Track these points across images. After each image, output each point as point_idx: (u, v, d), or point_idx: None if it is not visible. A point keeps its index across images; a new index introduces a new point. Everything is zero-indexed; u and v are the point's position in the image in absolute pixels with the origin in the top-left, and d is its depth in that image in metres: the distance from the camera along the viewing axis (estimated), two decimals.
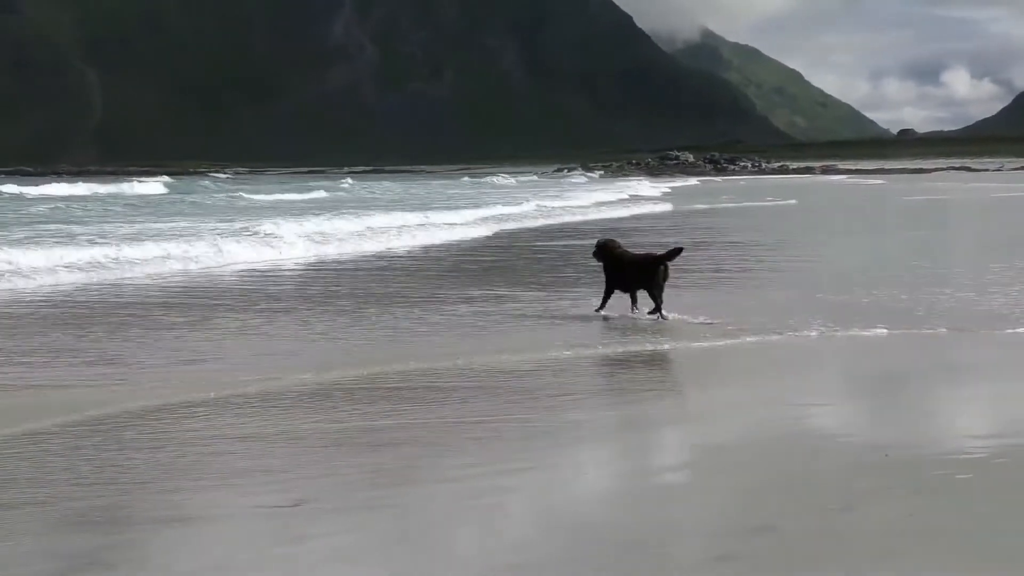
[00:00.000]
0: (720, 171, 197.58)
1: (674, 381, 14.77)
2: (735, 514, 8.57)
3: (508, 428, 11.86)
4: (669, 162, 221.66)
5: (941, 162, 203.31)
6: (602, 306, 19.32)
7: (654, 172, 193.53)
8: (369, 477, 9.86)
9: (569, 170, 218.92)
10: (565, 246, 37.35)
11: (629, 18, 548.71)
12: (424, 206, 62.63)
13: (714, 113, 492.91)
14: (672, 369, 15.55)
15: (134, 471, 9.92)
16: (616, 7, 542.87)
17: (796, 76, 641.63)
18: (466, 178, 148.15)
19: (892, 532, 8.10)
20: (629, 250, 19.87)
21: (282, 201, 75.89)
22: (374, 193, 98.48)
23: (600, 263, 19.68)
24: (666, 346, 16.57)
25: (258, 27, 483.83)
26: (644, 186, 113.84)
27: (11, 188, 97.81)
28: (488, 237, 42.39)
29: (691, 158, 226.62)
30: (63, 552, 8.03)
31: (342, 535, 8.16)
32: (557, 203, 66.71)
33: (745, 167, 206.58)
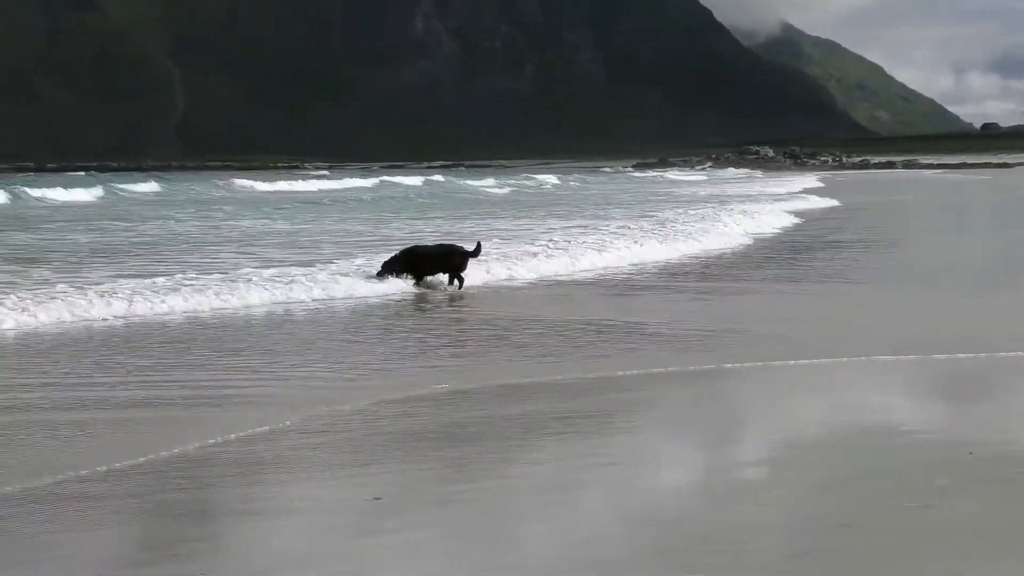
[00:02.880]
0: (800, 166, 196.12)
1: (754, 380, 14.61)
2: (813, 511, 8.53)
3: (588, 424, 11.86)
4: (748, 157, 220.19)
5: None
6: None
7: (738, 167, 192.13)
8: (446, 472, 9.89)
9: (662, 164, 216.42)
10: None
11: (708, 12, 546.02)
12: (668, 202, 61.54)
13: (794, 108, 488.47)
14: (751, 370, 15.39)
15: (216, 465, 10.02)
16: (695, 1, 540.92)
17: (878, 70, 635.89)
18: (579, 174, 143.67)
19: (972, 530, 8.02)
20: None
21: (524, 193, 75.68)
22: (569, 189, 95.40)
23: None
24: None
25: (338, 23, 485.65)
26: (775, 183, 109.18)
27: (247, 183, 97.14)
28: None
29: (771, 152, 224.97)
30: (144, 544, 8.13)
31: (419, 530, 8.19)
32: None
33: (825, 162, 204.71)
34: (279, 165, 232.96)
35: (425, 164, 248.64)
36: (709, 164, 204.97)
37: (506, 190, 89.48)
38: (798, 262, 28.67)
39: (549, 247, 28.84)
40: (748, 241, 34.37)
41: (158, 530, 8.45)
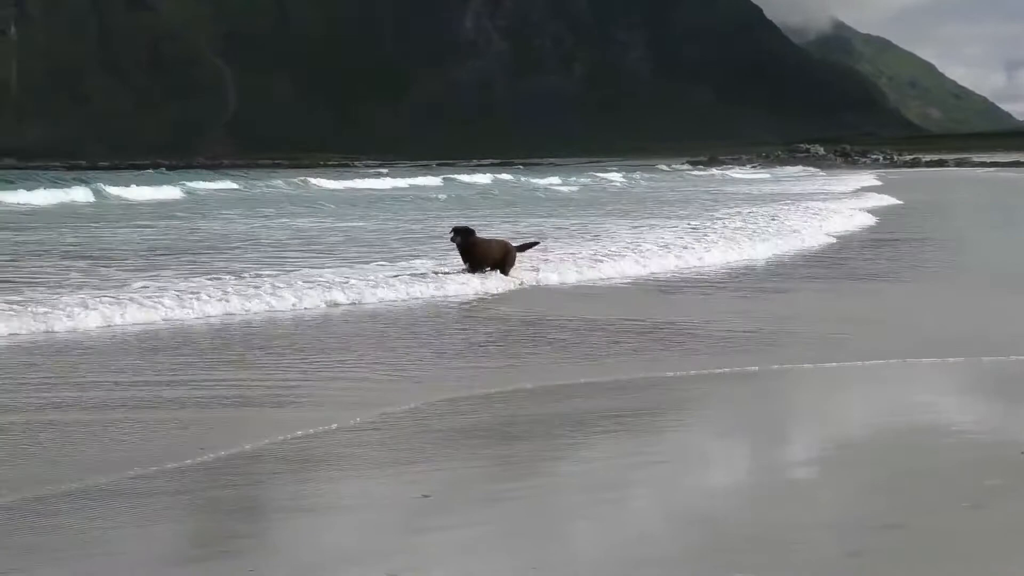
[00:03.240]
0: (851, 164, 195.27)
1: (802, 377, 14.55)
2: (862, 511, 8.49)
3: (638, 422, 11.85)
4: (799, 155, 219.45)
5: None
6: None
7: (791, 165, 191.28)
8: (495, 470, 9.90)
9: (712, 162, 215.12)
10: None
11: (759, 10, 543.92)
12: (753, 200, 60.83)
13: (844, 105, 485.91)
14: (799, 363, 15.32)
15: (266, 462, 10.07)
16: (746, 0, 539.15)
17: (929, 67, 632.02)
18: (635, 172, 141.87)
19: (1022, 531, 7.98)
20: None
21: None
22: (643, 187, 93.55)
23: None
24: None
25: (389, 21, 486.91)
26: (834, 181, 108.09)
27: (321, 181, 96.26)
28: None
29: (821, 151, 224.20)
30: (195, 540, 8.18)
31: (468, 527, 8.21)
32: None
33: (877, 160, 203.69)
34: (330, 163, 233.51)
35: (475, 162, 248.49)
36: (758, 163, 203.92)
37: (575, 188, 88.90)
38: (898, 259, 28.64)
39: (644, 248, 28.49)
40: (831, 240, 34.07)
41: (208, 526, 8.50)
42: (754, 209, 48.89)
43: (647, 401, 12.73)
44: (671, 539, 7.93)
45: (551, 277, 23.52)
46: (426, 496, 8.89)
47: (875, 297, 21.13)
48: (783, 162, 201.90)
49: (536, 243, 25.13)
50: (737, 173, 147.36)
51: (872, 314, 18.78)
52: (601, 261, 25.72)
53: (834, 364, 14.56)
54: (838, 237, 35.16)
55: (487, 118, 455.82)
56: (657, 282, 23.89)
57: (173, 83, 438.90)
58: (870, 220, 43.33)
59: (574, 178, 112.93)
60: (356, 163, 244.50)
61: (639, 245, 29.40)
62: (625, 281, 24.00)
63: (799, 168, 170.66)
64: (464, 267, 22.83)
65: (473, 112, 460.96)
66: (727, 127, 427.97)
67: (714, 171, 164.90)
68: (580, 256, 26.60)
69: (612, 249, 28.23)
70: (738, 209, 49.14)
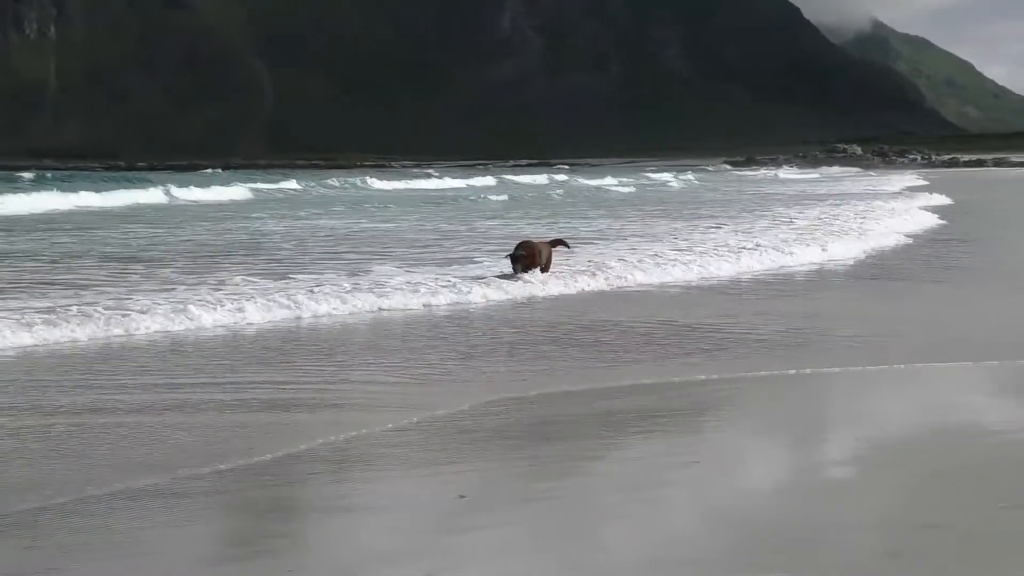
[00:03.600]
0: (888, 163, 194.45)
1: (843, 376, 14.50)
2: (900, 511, 8.46)
3: (673, 423, 11.83)
4: (836, 155, 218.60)
5: None
6: None
7: (823, 164, 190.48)
8: (532, 470, 9.91)
9: (749, 162, 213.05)
10: None
11: (796, 9, 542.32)
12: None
13: (883, 105, 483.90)
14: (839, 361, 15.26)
15: (304, 462, 10.10)
16: None
17: (968, 67, 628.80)
18: (690, 173, 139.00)
19: None
20: None
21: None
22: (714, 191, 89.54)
23: None
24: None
25: (425, 21, 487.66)
26: (882, 180, 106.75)
27: (379, 182, 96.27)
28: None
29: (859, 150, 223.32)
30: (232, 540, 8.22)
31: (505, 527, 8.22)
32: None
33: (914, 160, 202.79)
34: (365, 164, 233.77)
35: (511, 163, 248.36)
36: (795, 163, 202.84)
37: (631, 189, 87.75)
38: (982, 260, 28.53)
39: (706, 251, 27.85)
40: (907, 240, 33.52)
41: (246, 526, 8.54)
42: (829, 209, 48.90)
43: (684, 402, 12.73)
44: (708, 539, 7.92)
45: (634, 277, 23.52)
46: (462, 497, 8.91)
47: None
48: (820, 162, 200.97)
49: (563, 242, 24.92)
50: (786, 173, 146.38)
51: None
52: (681, 262, 25.49)
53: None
54: (911, 236, 34.69)
55: (523, 117, 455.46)
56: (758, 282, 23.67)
57: (209, 83, 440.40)
58: (933, 219, 42.84)
59: (627, 178, 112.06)
60: (393, 164, 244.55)
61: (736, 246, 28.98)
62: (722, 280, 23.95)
63: (840, 168, 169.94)
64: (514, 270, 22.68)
65: (510, 111, 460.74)
66: (764, 127, 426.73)
67: (763, 171, 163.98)
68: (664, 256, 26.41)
69: (699, 249, 28.08)
70: (821, 209, 49.07)
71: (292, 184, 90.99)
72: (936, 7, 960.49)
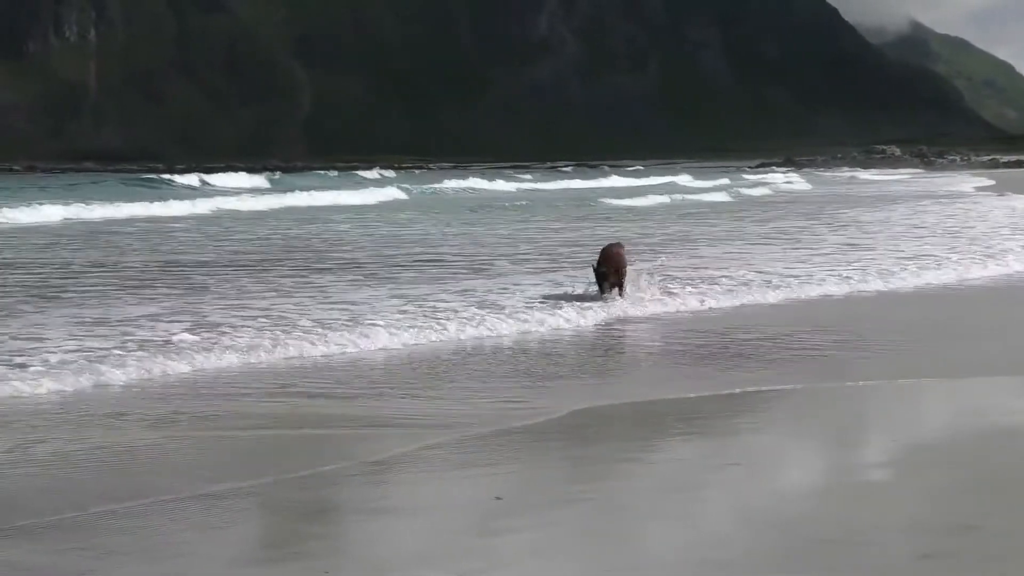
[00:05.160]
0: (928, 164, 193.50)
1: (880, 377, 14.42)
2: (937, 513, 8.44)
3: (712, 424, 11.83)
4: (875, 156, 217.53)
5: None
6: None
7: (865, 167, 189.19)
8: (568, 472, 9.93)
9: (787, 163, 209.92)
10: None
11: (834, 10, 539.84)
12: None
13: (921, 106, 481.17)
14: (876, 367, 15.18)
15: (340, 464, 10.14)
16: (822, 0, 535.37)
17: (1007, 68, 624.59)
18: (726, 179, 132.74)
19: None
20: None
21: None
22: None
23: None
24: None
25: (463, 22, 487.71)
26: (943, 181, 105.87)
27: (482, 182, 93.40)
28: None
29: (897, 152, 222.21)
30: (268, 541, 8.26)
31: (541, 529, 8.22)
32: None
33: (954, 161, 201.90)
34: (404, 166, 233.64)
35: (548, 164, 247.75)
36: (833, 164, 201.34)
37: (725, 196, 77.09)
38: None
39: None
40: None
41: (281, 528, 8.58)
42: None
43: (722, 407, 12.73)
44: (743, 541, 7.92)
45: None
46: (498, 498, 8.92)
47: None
48: (858, 163, 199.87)
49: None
50: (870, 175, 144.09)
51: None
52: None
53: None
54: None
55: (561, 119, 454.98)
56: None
57: (248, 85, 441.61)
58: None
59: (710, 182, 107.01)
60: (430, 166, 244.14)
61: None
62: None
63: (896, 169, 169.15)
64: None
65: (547, 113, 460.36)
66: (803, 128, 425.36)
67: (848, 173, 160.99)
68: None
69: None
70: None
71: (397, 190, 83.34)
72: (976, 8, 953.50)
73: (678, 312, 19.61)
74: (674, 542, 7.94)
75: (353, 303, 19.50)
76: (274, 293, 21.10)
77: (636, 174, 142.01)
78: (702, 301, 20.34)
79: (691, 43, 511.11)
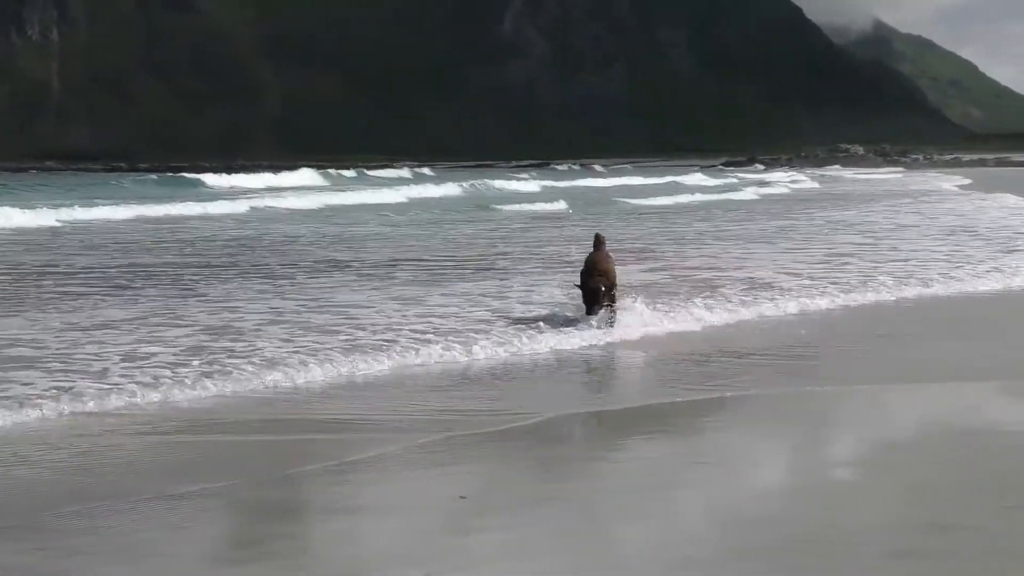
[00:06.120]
0: (890, 163, 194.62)
1: (848, 377, 14.48)
2: (909, 511, 8.47)
3: (681, 423, 11.87)
4: (839, 154, 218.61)
5: None
6: None
7: (829, 164, 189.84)
8: (537, 471, 9.93)
9: (751, 162, 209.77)
10: None
11: (799, 10, 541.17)
12: None
13: (887, 106, 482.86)
14: (844, 365, 15.25)
15: (303, 464, 10.14)
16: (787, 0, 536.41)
17: (971, 68, 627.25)
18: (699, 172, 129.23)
19: None
20: None
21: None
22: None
23: None
24: None
25: (434, 22, 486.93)
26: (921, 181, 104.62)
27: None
28: None
29: (861, 150, 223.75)
30: (236, 541, 8.25)
31: (512, 529, 8.22)
32: None
33: (916, 159, 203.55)
34: (371, 165, 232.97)
35: (514, 163, 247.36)
36: (797, 163, 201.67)
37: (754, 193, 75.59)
38: None
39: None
40: None
41: (249, 528, 8.56)
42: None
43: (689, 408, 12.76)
44: (717, 539, 7.91)
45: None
46: (462, 497, 8.93)
47: None
48: (823, 162, 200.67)
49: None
50: (856, 174, 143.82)
51: None
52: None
53: None
54: None
55: (530, 119, 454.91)
56: None
57: (217, 85, 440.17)
58: None
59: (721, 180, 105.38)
60: (394, 165, 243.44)
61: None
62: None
63: (891, 169, 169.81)
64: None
65: (516, 113, 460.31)
66: (770, 127, 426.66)
67: (833, 172, 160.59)
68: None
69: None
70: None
71: (452, 190, 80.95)
72: (939, 7, 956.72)
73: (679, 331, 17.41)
74: (644, 539, 7.97)
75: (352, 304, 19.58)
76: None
77: (623, 172, 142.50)
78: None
79: (658, 43, 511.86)
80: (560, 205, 57.67)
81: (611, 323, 16.72)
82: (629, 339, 16.63)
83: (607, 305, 16.73)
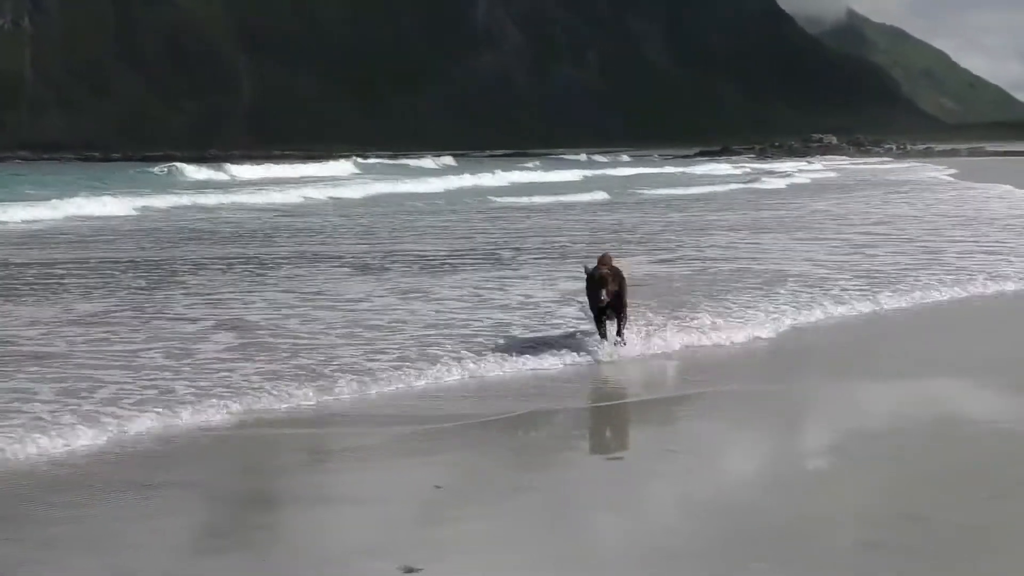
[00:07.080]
0: (864, 153, 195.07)
1: (831, 367, 14.54)
2: (883, 502, 8.50)
3: (654, 412, 11.87)
4: (812, 144, 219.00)
5: None
6: None
7: (802, 155, 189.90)
8: (512, 461, 9.93)
9: (725, 152, 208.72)
10: None
11: (771, 1, 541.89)
12: None
13: (860, 97, 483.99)
14: (825, 355, 15.31)
15: (283, 453, 10.14)
16: None
17: (944, 58, 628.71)
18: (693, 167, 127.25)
19: None
20: None
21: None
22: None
23: None
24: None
25: (407, 12, 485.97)
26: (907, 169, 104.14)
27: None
28: None
29: (834, 140, 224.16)
30: (211, 531, 8.24)
31: (488, 519, 8.24)
32: None
33: (890, 149, 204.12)
34: (340, 155, 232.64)
35: (488, 153, 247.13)
36: (771, 152, 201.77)
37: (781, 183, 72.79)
38: None
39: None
40: None
41: (225, 519, 8.55)
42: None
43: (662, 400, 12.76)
44: (691, 530, 7.94)
45: None
46: (438, 487, 8.94)
47: None
48: (797, 152, 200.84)
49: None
50: (851, 165, 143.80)
51: None
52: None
53: None
54: None
55: (502, 109, 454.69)
56: None
57: (191, 76, 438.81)
58: None
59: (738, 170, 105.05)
60: (367, 155, 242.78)
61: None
62: None
63: (877, 159, 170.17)
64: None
65: (489, 103, 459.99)
66: (747, 118, 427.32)
67: (837, 160, 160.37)
68: None
69: None
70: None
71: (492, 179, 79.28)
72: None
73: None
74: (621, 529, 8.00)
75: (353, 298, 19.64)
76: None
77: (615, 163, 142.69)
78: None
79: (631, 34, 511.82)
80: (600, 195, 57.30)
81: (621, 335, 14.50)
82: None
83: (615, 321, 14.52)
